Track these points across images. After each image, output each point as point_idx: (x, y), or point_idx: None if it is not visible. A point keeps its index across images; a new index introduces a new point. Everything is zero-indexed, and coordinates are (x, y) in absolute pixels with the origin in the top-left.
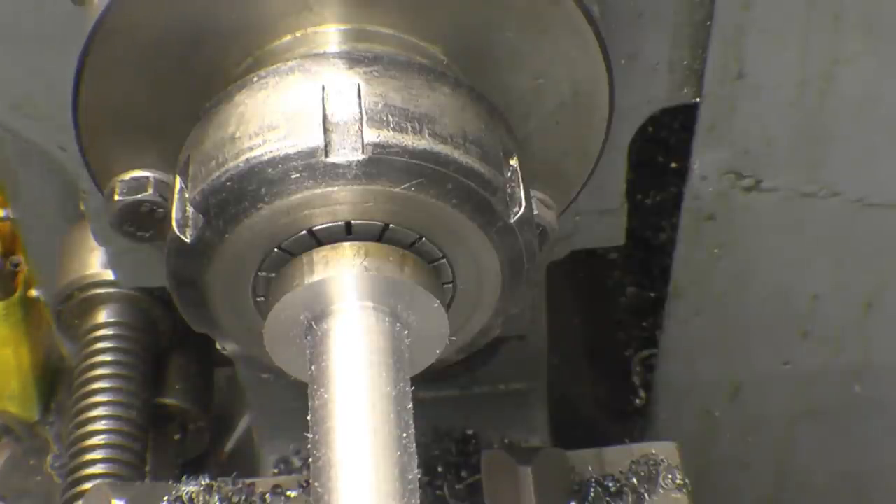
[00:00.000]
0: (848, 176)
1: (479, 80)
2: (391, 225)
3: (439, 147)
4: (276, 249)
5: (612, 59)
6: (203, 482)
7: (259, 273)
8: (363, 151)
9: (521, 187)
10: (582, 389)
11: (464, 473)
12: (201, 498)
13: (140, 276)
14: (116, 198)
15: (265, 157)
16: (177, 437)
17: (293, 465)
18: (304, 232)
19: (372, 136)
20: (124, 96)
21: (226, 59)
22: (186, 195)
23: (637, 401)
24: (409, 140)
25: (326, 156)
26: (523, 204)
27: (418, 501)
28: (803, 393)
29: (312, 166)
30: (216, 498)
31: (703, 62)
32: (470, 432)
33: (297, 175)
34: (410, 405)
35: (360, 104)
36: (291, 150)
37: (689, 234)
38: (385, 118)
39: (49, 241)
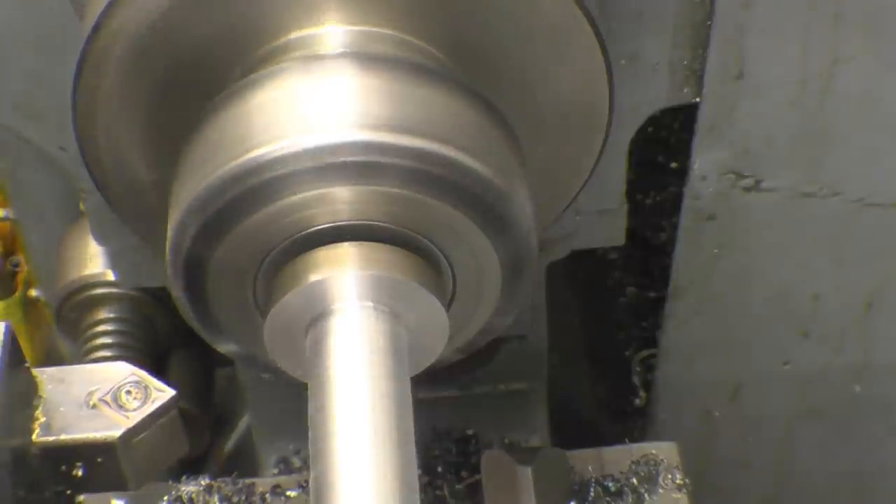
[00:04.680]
0: (848, 176)
1: (479, 80)
2: (391, 225)
3: (439, 147)
4: (276, 250)
5: (612, 59)
6: (203, 482)
7: (259, 273)
8: (363, 152)
9: (521, 187)
10: (582, 389)
11: (464, 473)
12: (201, 498)
13: (140, 276)
14: None
15: (265, 158)
16: None
17: (293, 465)
18: (304, 232)
19: (372, 136)
20: (123, 98)
21: (224, 60)
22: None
23: (637, 401)
24: (409, 140)
25: (326, 156)
26: (523, 204)
27: (418, 501)
28: (803, 393)
29: (312, 167)
30: (216, 498)
31: (703, 62)
32: (470, 432)
33: (297, 175)
34: (410, 405)
35: (359, 105)
36: (291, 151)
37: (689, 234)
38: (385, 118)
39: (49, 241)
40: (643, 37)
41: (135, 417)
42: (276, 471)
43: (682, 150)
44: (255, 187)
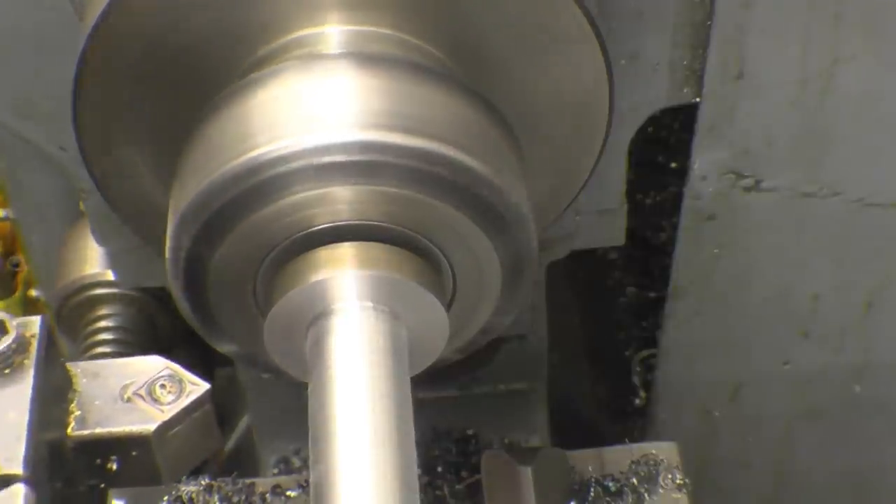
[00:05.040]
0: (848, 176)
1: (479, 80)
2: (391, 225)
3: (439, 147)
4: (276, 249)
5: (612, 59)
6: (203, 482)
7: (259, 273)
8: (363, 151)
9: (521, 188)
10: (582, 389)
11: (464, 473)
12: (201, 498)
13: (140, 276)
14: None
15: (265, 158)
16: None
17: (293, 465)
18: (304, 232)
19: (372, 135)
20: (123, 97)
21: (224, 60)
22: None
23: (637, 401)
24: (409, 140)
25: (326, 156)
26: (523, 204)
27: (418, 501)
28: (803, 393)
29: (312, 166)
30: (216, 498)
31: (703, 62)
32: (470, 432)
33: (297, 175)
34: (410, 405)
35: (360, 104)
36: (291, 150)
37: (689, 234)
38: (385, 118)
39: (49, 241)
40: (643, 36)
41: (169, 411)
42: (276, 471)
43: (682, 150)
44: (256, 187)
